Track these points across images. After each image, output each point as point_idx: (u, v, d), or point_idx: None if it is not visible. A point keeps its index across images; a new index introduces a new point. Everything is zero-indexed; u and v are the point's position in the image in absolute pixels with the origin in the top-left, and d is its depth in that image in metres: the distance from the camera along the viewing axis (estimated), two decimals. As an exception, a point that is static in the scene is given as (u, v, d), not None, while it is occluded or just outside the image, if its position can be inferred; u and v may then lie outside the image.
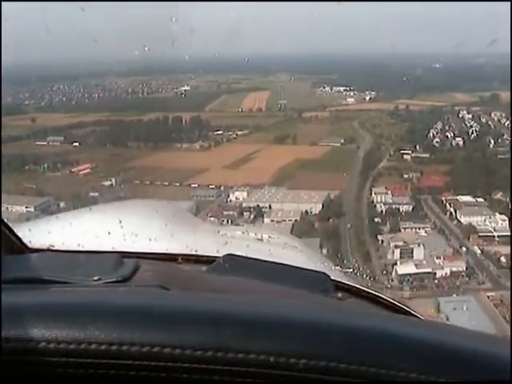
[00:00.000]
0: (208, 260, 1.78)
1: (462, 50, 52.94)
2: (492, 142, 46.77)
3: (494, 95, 52.60)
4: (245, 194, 39.27)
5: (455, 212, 37.90)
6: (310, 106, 55.77)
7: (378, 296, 1.85)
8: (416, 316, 1.78)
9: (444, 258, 31.28)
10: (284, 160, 45.07)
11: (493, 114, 51.15)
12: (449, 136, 49.07)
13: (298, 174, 42.71)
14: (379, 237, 34.30)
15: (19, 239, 1.71)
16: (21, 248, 1.70)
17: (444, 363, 0.95)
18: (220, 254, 1.75)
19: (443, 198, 39.65)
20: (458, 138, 48.45)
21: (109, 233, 1.91)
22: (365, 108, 56.45)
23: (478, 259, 33.85)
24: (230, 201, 39.88)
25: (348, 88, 59.03)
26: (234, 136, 50.77)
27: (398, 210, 38.42)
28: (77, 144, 47.22)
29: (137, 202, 2.92)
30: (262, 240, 2.42)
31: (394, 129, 51.75)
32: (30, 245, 1.73)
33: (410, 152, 46.54)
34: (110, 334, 0.96)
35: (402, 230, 35.65)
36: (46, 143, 47.58)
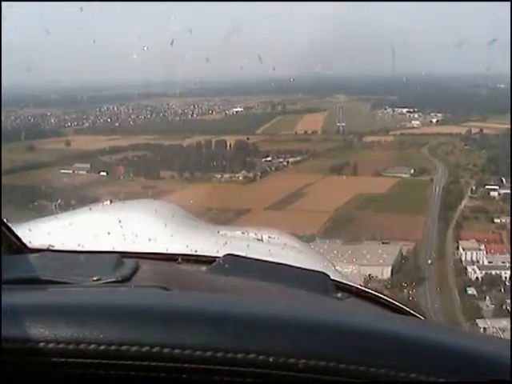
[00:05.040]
0: (208, 260, 1.74)
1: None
2: None
3: None
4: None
5: None
6: (371, 130, 47.10)
7: (378, 296, 1.81)
8: (416, 316, 1.75)
9: None
10: (342, 197, 35.98)
11: None
12: (540, 168, 39.12)
13: (360, 216, 33.50)
14: (480, 322, 22.52)
15: (19, 239, 1.70)
16: (20, 248, 1.69)
17: (444, 363, 0.95)
18: (220, 254, 1.72)
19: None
20: (552, 172, 38.46)
21: (108, 233, 1.90)
22: (433, 132, 47.21)
23: None
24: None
25: (411, 110, 50.00)
26: (285, 163, 42.25)
27: (500, 277, 27.83)
28: (104, 173, 39.33)
29: (137, 202, 2.90)
30: (261, 240, 2.36)
31: (470, 157, 42.30)
32: (29, 245, 1.72)
33: (497, 188, 36.96)
34: (110, 334, 0.96)
35: (514, 314, 24.24)
36: (71, 171, 39.39)
